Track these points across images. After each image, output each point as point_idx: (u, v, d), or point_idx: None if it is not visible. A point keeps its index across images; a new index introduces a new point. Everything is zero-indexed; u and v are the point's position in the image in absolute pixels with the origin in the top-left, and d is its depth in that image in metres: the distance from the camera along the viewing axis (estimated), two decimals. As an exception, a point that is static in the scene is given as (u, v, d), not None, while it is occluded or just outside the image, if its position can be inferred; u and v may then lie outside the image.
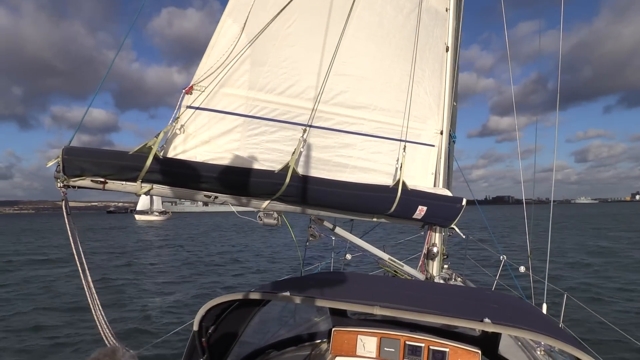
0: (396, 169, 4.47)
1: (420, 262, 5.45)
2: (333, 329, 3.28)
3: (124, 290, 14.43)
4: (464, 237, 5.17)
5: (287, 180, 3.42)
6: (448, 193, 4.81)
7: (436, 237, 5.38)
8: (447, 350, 2.98)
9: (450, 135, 5.25)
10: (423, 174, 4.96)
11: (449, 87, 5.08)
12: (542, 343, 4.04)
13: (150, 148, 3.01)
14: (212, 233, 44.49)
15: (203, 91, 3.42)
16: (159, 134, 3.16)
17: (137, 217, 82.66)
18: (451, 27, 5.08)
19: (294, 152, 3.65)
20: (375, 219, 4.45)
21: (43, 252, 27.25)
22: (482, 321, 2.30)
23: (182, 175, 3.17)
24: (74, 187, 2.89)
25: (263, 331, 3.92)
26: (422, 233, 5.54)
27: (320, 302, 2.69)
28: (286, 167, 3.51)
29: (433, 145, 4.98)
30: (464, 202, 4.61)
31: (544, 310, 5.16)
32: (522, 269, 5.57)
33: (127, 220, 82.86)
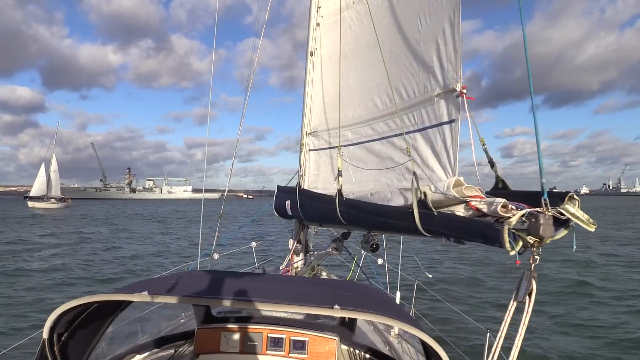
0: None
1: (289, 258, 5.64)
2: (197, 328, 3.29)
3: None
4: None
5: None
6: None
7: (299, 234, 5.62)
8: (306, 339, 3.16)
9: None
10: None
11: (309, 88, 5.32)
12: (396, 328, 4.41)
13: None
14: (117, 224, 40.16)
15: None
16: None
17: (30, 204, 72.54)
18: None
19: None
20: None
21: None
22: (332, 307, 2.42)
23: None
24: None
25: (124, 335, 3.79)
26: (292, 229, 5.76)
27: (178, 300, 2.67)
28: None
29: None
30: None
31: (398, 298, 5.63)
32: (379, 261, 5.98)
33: (17, 208, 72.19)
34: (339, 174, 4.05)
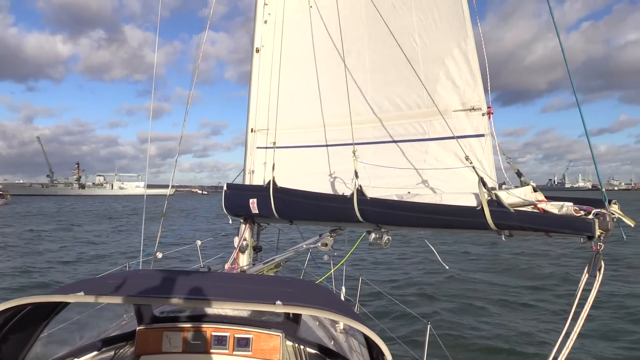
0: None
1: (234, 256, 5.60)
2: (137, 328, 3.21)
3: None
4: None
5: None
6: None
7: (246, 231, 5.59)
8: (251, 336, 3.16)
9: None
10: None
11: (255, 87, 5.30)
12: (341, 323, 4.47)
13: None
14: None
15: None
16: None
17: None
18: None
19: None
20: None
21: None
22: (274, 303, 2.45)
23: None
24: None
25: (61, 338, 3.66)
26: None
27: (117, 300, 2.60)
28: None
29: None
30: None
31: (343, 293, 5.70)
32: (325, 257, 6.03)
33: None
34: (356, 174, 4.21)
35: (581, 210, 3.22)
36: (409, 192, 4.17)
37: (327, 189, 4.90)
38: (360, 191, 4.11)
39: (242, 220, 5.66)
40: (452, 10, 4.26)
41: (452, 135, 4.07)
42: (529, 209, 3.45)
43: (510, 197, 3.48)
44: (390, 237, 4.24)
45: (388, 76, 4.63)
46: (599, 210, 3.11)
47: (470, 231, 3.83)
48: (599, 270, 2.96)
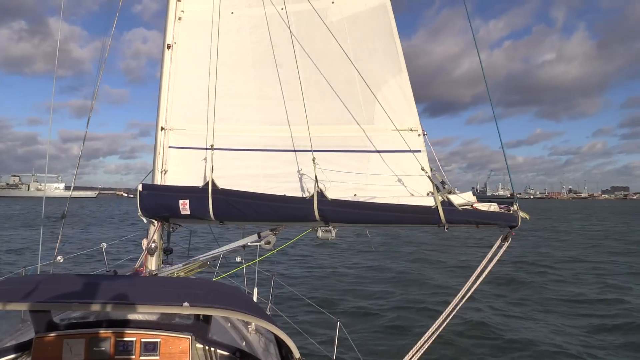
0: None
1: (142, 258, 5.42)
2: (35, 337, 3.00)
3: None
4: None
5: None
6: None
7: (155, 233, 5.43)
8: (158, 340, 3.04)
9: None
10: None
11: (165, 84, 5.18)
12: (253, 324, 4.45)
13: None
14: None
15: None
16: None
17: None
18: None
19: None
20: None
21: None
22: (181, 305, 2.40)
23: None
24: None
25: None
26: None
27: (8, 307, 2.44)
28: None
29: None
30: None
31: (255, 294, 5.69)
32: (238, 258, 6.00)
33: None
34: (316, 179, 4.53)
35: (502, 208, 4.27)
36: (355, 195, 4.73)
37: (258, 191, 4.91)
38: (320, 193, 4.51)
39: (153, 222, 5.48)
40: (386, 45, 4.80)
41: (393, 149, 4.76)
42: (467, 208, 4.32)
43: (458, 199, 4.33)
44: (336, 233, 4.67)
45: (324, 92, 4.93)
46: (514, 208, 4.15)
47: (423, 226, 4.56)
48: (507, 240, 4.12)
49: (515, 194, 4.61)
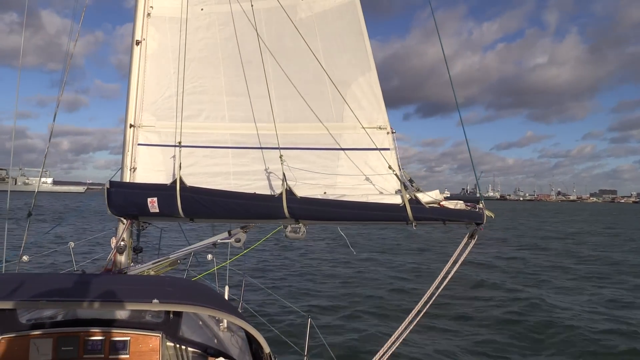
0: None
1: (111, 256, 5.34)
2: (0, 337, 2.94)
3: None
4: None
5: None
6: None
7: (124, 232, 5.35)
8: (128, 339, 3.02)
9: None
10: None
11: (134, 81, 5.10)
12: (225, 321, 4.40)
13: None
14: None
15: None
16: None
17: None
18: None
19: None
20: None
21: None
22: (150, 302, 2.36)
23: None
24: None
25: None
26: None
27: None
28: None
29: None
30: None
31: (226, 292, 5.64)
32: (209, 257, 5.95)
33: None
34: (284, 176, 4.52)
35: (468, 206, 4.32)
36: (325, 192, 4.71)
37: (228, 188, 4.92)
38: (289, 191, 4.49)
39: (122, 220, 5.41)
40: (355, 43, 4.77)
41: (362, 147, 4.75)
42: (434, 206, 4.34)
43: (425, 197, 4.35)
44: (306, 230, 4.62)
45: (294, 90, 4.88)
46: (480, 206, 4.18)
47: (391, 223, 4.55)
48: (473, 238, 4.14)
49: (481, 194, 4.77)
